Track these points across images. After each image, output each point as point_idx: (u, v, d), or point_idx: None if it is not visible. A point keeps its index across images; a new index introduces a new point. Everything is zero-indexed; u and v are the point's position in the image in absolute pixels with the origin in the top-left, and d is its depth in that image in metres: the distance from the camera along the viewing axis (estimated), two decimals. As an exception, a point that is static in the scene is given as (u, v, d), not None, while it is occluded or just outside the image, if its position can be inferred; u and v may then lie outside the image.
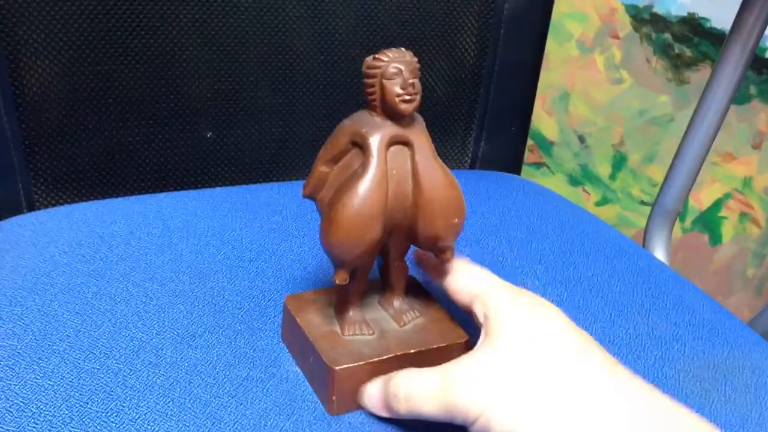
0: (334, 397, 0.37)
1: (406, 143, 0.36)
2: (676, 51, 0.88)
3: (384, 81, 0.35)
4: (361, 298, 0.41)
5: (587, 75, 0.91)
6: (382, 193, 0.35)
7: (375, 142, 0.35)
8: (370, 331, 0.39)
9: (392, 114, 0.35)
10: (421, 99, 0.35)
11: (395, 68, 0.35)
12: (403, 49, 0.36)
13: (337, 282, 0.37)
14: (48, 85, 0.53)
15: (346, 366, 0.37)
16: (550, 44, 0.85)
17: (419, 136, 0.36)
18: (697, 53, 0.88)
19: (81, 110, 0.55)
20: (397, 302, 0.41)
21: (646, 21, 0.88)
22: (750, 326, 0.49)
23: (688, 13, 0.87)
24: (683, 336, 0.46)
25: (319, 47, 0.60)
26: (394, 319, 0.40)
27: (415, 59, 0.36)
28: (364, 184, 0.35)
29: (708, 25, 0.87)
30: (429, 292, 0.43)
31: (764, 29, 0.53)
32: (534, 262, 0.52)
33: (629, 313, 0.48)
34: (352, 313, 0.40)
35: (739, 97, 0.88)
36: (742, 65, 0.54)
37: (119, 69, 0.55)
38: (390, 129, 0.36)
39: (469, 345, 0.38)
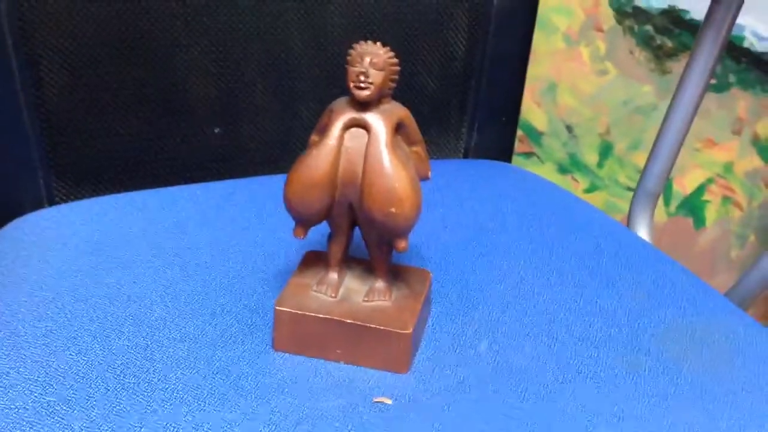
0: (275, 332, 0.43)
1: (365, 127, 0.40)
2: (658, 42, 0.92)
3: (348, 67, 0.39)
4: (355, 268, 0.45)
5: (573, 67, 0.94)
6: (327, 165, 0.40)
7: (335, 121, 0.40)
8: (333, 294, 0.44)
9: (353, 98, 0.39)
10: (381, 90, 0.39)
11: (358, 57, 0.39)
12: (379, 44, 0.40)
13: (294, 236, 0.42)
14: (66, 87, 0.56)
15: (286, 309, 0.42)
16: (538, 38, 0.88)
17: (382, 123, 0.40)
18: (678, 44, 0.92)
19: (96, 111, 0.58)
20: (378, 283, 0.44)
21: (628, 14, 0.92)
22: (726, 297, 0.53)
23: (669, 6, 0.90)
24: (664, 306, 0.50)
25: (314, 44, 0.63)
26: (365, 294, 0.44)
27: (386, 55, 0.39)
28: (312, 154, 0.40)
29: (688, 16, 0.90)
30: (426, 290, 0.45)
31: (735, 19, 0.57)
32: (525, 242, 0.55)
33: (614, 286, 0.52)
34: (330, 275, 0.44)
35: (719, 86, 0.92)
36: (716, 53, 0.58)
37: (132, 70, 0.58)
38: (350, 112, 0.40)
39: (412, 339, 0.42)
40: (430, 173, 0.44)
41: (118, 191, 0.59)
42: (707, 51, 0.57)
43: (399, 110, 0.41)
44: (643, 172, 0.61)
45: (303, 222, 0.42)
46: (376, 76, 0.39)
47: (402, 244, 0.41)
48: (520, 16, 0.68)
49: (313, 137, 0.42)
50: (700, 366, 0.45)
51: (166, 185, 0.60)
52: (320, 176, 0.40)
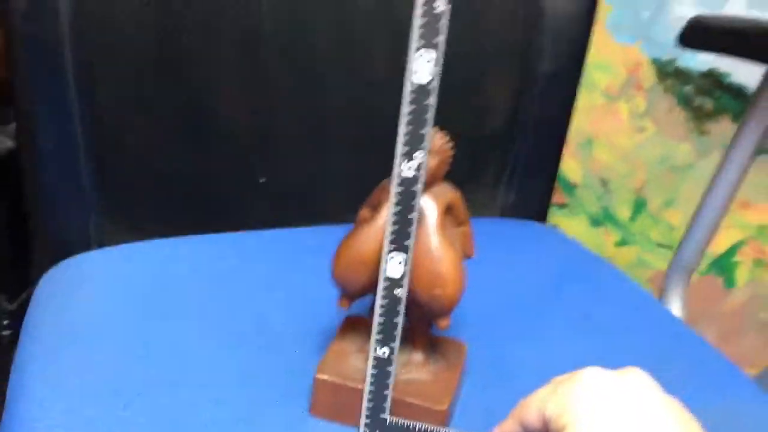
0: (313, 399, 0.43)
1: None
2: (698, 103, 0.92)
3: None
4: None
5: (611, 123, 0.95)
6: (376, 244, 0.41)
7: (387, 201, 0.40)
8: None
9: None
10: (435, 175, 0.40)
11: None
12: (435, 128, 0.40)
13: (338, 306, 0.43)
14: (119, 129, 0.58)
15: (325, 377, 0.43)
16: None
17: (434, 206, 0.41)
18: (718, 106, 0.92)
19: (147, 156, 0.60)
20: (416, 355, 0.45)
21: (670, 74, 0.92)
22: (757, 382, 0.53)
23: (710, 68, 0.91)
24: (694, 390, 0.50)
25: (353, 96, 0.64)
26: (402, 365, 0.45)
27: (441, 140, 0.40)
28: (362, 231, 0.41)
29: (728, 80, 0.91)
30: (462, 363, 0.46)
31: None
32: (559, 313, 0.56)
33: (644, 364, 0.52)
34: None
35: (757, 148, 0.92)
36: (764, 127, 0.58)
37: (183, 115, 0.59)
38: None
39: (446, 415, 0.42)
40: (474, 252, 0.45)
41: (165, 234, 0.60)
42: (757, 123, 0.56)
43: (450, 193, 0.42)
44: (680, 245, 0.61)
45: (349, 294, 0.43)
46: (430, 161, 0.40)
47: (444, 322, 0.42)
48: (567, 80, 0.69)
49: (364, 212, 0.43)
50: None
51: (209, 230, 0.61)
52: (368, 254, 0.41)
